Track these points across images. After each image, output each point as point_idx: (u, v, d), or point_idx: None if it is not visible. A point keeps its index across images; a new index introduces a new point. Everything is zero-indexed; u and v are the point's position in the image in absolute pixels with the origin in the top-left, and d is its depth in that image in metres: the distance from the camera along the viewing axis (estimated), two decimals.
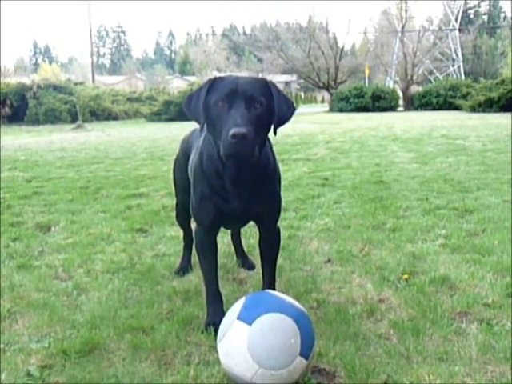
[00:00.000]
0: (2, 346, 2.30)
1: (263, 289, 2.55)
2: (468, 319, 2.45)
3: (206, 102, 2.17)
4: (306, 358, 1.88)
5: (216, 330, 2.07)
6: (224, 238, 3.76)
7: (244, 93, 2.10)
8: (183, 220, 3.21)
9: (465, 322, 2.43)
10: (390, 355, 2.13)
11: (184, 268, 3.23)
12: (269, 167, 2.38)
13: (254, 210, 2.41)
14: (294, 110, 2.31)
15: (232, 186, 2.30)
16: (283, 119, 2.24)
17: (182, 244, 3.37)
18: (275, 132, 2.26)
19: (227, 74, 2.18)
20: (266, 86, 2.21)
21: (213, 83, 2.20)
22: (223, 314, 2.13)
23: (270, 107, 2.16)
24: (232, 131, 1.97)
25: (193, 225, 2.63)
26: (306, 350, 1.87)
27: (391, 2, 42.35)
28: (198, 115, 2.21)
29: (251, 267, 3.27)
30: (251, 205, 2.37)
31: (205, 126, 2.21)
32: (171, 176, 3.27)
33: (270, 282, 2.59)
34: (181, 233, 3.42)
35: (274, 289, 2.53)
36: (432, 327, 2.36)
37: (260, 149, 2.17)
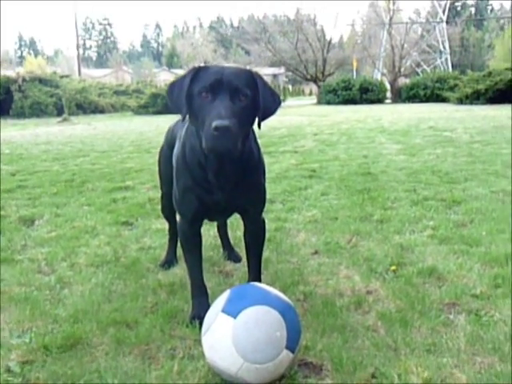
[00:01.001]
0: None
1: (249, 281, 2.51)
2: (456, 310, 2.43)
3: (190, 92, 2.10)
4: (293, 352, 1.84)
5: (201, 324, 2.03)
6: (210, 231, 3.72)
7: (229, 84, 2.04)
8: (169, 212, 3.15)
9: (453, 313, 2.41)
10: (377, 347, 2.10)
11: (169, 261, 3.19)
12: (252, 159, 2.33)
13: (238, 201, 2.37)
14: (280, 103, 2.26)
15: (215, 178, 2.25)
16: (268, 112, 2.19)
17: (168, 237, 3.32)
18: (259, 125, 2.21)
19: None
20: (252, 78, 2.14)
21: (197, 72, 2.13)
22: (208, 307, 2.09)
23: (255, 100, 2.10)
24: (215, 123, 1.91)
25: (178, 217, 2.58)
26: (292, 343, 1.84)
27: None
28: (180, 105, 2.13)
29: (237, 260, 3.23)
30: (235, 196, 2.32)
31: (187, 116, 2.15)
32: (157, 168, 3.22)
33: (255, 274, 2.55)
34: (166, 225, 3.37)
35: (259, 281, 2.49)
36: (420, 319, 2.34)
37: (243, 141, 2.12)
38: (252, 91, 2.09)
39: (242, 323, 1.80)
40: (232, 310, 1.84)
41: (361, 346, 2.12)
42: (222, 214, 2.66)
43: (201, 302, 2.42)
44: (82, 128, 16.41)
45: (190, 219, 2.45)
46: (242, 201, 2.38)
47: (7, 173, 7.08)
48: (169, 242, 3.29)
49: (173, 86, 2.21)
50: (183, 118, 2.17)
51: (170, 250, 3.25)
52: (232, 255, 3.29)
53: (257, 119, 2.17)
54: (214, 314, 1.89)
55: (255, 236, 2.57)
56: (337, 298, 2.61)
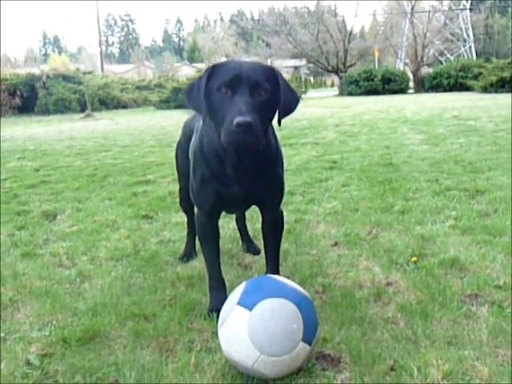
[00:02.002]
0: (2, 334, 2.27)
1: (267, 273, 2.50)
2: (478, 302, 2.38)
3: (208, 89, 2.07)
4: (310, 344, 1.82)
5: (219, 316, 2.02)
6: (229, 224, 3.71)
7: (248, 79, 2.01)
8: (187, 205, 3.15)
9: (475, 304, 2.36)
10: (396, 340, 2.07)
11: (188, 254, 3.19)
12: (271, 151, 2.30)
13: (256, 194, 2.35)
14: (299, 100, 2.23)
15: (233, 172, 2.23)
16: (288, 110, 2.16)
17: (186, 230, 3.32)
18: (279, 122, 2.17)
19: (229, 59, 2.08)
20: (272, 73, 2.11)
21: (213, 70, 2.11)
22: (226, 299, 2.08)
23: (274, 94, 2.07)
24: (236, 120, 1.88)
25: (196, 210, 2.58)
26: (308, 336, 1.81)
27: None
28: (199, 105, 2.10)
29: (256, 252, 3.21)
30: (252, 189, 2.30)
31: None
32: (175, 162, 3.22)
33: (273, 266, 2.53)
34: (185, 219, 3.37)
35: (277, 273, 2.47)
36: (441, 310, 2.30)
37: (264, 135, 2.10)
38: (271, 85, 2.06)
39: (258, 315, 1.78)
40: (248, 303, 1.82)
41: (380, 339, 2.09)
42: (239, 207, 2.65)
43: (219, 294, 2.41)
44: (104, 123, 16.56)
45: (208, 212, 2.44)
46: (259, 193, 2.36)
47: (31, 168, 7.18)
48: (188, 235, 3.29)
49: (191, 88, 2.18)
50: (203, 119, 2.15)
51: (188, 243, 3.25)
52: (251, 247, 3.28)
53: (277, 116, 2.14)
54: (230, 307, 1.88)
55: (273, 228, 2.54)
56: (356, 290, 2.58)
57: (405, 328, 2.17)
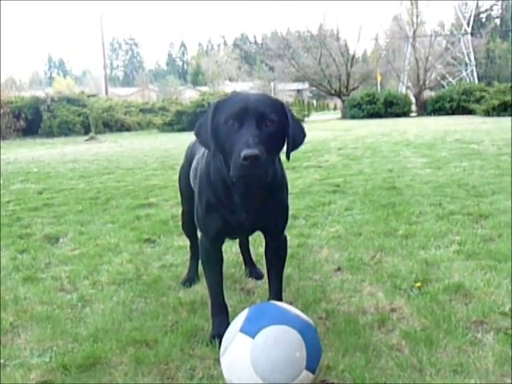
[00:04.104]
0: (2, 360, 2.25)
1: (270, 299, 2.47)
2: (484, 329, 2.35)
3: (215, 124, 2.09)
4: (313, 372, 1.80)
5: (221, 342, 2.00)
6: (232, 247, 3.69)
7: (255, 110, 2.01)
8: (189, 229, 3.14)
9: (481, 331, 2.33)
10: (401, 368, 2.04)
11: (191, 279, 3.17)
12: (276, 177, 2.30)
13: (261, 221, 2.35)
14: (305, 134, 2.24)
15: (240, 200, 2.24)
16: (297, 143, 2.18)
17: (189, 254, 3.30)
18: (288, 157, 2.18)
19: (232, 91, 2.11)
20: (279, 105, 2.13)
21: (217, 105, 2.14)
22: (228, 325, 2.06)
23: (282, 126, 2.08)
24: (244, 153, 1.88)
25: (199, 234, 2.57)
26: (312, 364, 1.79)
27: (402, 7, 41.94)
28: (207, 142, 2.12)
29: (259, 276, 3.19)
30: (258, 217, 2.30)
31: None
32: (178, 186, 3.23)
33: (276, 292, 2.50)
34: (188, 242, 3.36)
35: (280, 299, 2.44)
36: (446, 337, 2.27)
37: (272, 166, 2.10)
38: (278, 117, 2.07)
39: (261, 343, 1.76)
40: (250, 330, 1.80)
41: (384, 366, 2.06)
42: (244, 233, 2.66)
43: (221, 320, 2.39)
44: (108, 146, 16.63)
45: (212, 237, 2.43)
46: (265, 220, 2.36)
47: (34, 191, 7.19)
48: (190, 259, 3.27)
49: (199, 126, 2.21)
50: (212, 155, 2.15)
51: (191, 268, 3.24)
52: (254, 272, 3.26)
53: (285, 149, 2.15)
54: (233, 334, 1.86)
55: (277, 253, 2.53)
56: (360, 316, 2.56)
57: (409, 355, 2.14)
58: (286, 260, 2.57)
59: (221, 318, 2.40)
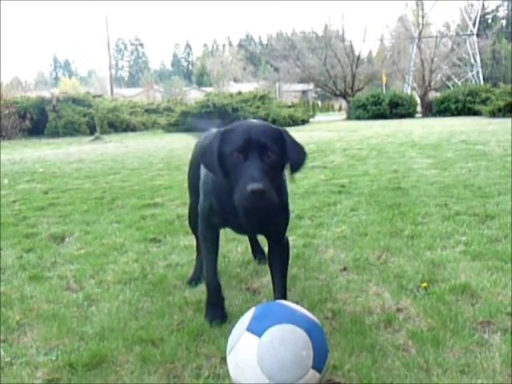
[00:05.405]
0: (8, 359, 2.26)
1: (275, 300, 2.47)
2: (491, 329, 2.35)
3: (221, 153, 2.19)
4: (319, 371, 1.80)
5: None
6: (238, 247, 3.70)
7: (258, 142, 2.14)
8: (196, 224, 3.15)
9: (487, 331, 2.32)
10: (408, 368, 2.03)
11: (196, 278, 3.17)
12: (280, 194, 2.37)
13: (262, 226, 2.48)
14: (306, 154, 2.34)
15: (245, 217, 2.35)
16: (298, 165, 2.30)
17: (195, 253, 3.31)
18: (293, 178, 2.31)
19: (237, 123, 2.21)
20: (278, 134, 2.24)
21: (224, 134, 2.23)
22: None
23: (282, 154, 2.20)
24: (250, 187, 2.01)
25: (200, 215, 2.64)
26: (318, 363, 1.79)
27: (408, 8, 41.86)
28: (214, 169, 2.23)
29: (264, 257, 3.32)
30: (260, 223, 2.43)
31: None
32: (186, 185, 3.24)
33: (280, 292, 2.52)
34: (194, 242, 3.36)
35: (285, 299, 2.45)
36: (453, 338, 2.26)
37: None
38: (278, 147, 2.19)
39: (267, 342, 1.76)
40: (257, 329, 1.80)
41: (391, 366, 2.06)
42: (244, 234, 2.84)
43: (215, 304, 2.60)
44: (113, 146, 16.66)
45: (212, 228, 2.62)
46: (266, 226, 2.47)
47: (40, 191, 7.20)
48: (196, 258, 3.28)
49: (204, 151, 2.32)
50: (220, 180, 2.26)
51: (197, 267, 3.24)
52: (258, 252, 3.44)
53: (287, 173, 2.30)
54: (239, 333, 1.86)
55: (279, 255, 2.58)
56: (366, 316, 2.55)
57: (416, 356, 2.13)
58: (288, 261, 2.60)
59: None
